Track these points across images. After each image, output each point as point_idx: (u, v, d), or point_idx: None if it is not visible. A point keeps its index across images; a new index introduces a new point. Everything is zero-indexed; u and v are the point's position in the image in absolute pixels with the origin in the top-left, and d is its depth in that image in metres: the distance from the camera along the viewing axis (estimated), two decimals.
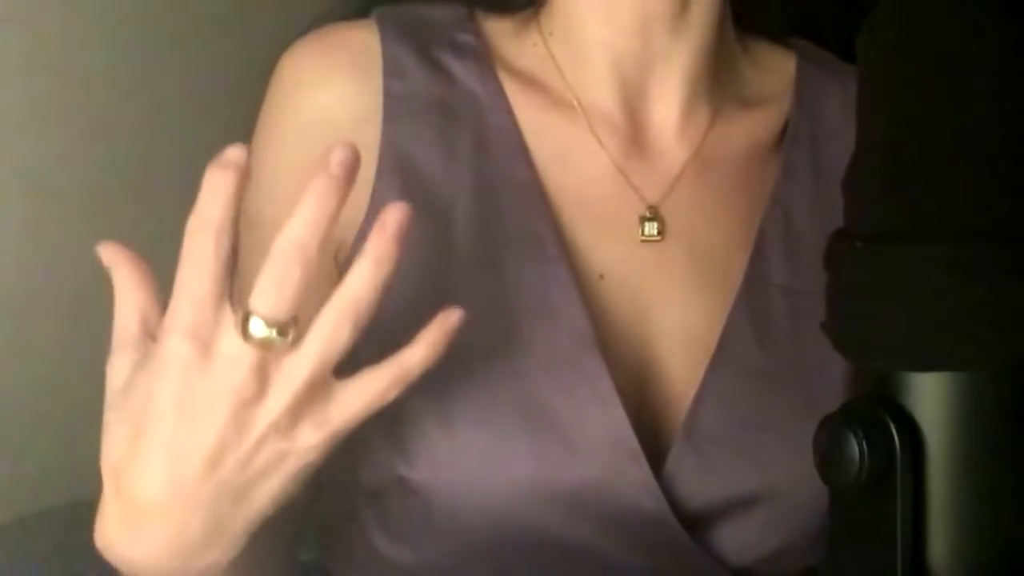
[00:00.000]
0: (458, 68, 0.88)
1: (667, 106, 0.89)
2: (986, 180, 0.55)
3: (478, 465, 0.81)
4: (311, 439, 0.67)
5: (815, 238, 0.86)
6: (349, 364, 0.88)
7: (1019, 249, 0.55)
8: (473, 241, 0.84)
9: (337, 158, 0.65)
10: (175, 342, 0.64)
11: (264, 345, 0.64)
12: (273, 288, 0.64)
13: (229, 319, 0.64)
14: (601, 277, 0.86)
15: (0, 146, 1.23)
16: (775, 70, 0.94)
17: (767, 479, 0.84)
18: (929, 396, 0.56)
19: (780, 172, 0.91)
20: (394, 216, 0.66)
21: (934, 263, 0.55)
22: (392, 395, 0.68)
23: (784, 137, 0.92)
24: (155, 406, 0.65)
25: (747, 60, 0.94)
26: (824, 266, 0.60)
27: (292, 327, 0.65)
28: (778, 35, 0.96)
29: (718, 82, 0.91)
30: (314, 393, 0.66)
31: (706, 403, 0.84)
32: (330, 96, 0.86)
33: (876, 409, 0.56)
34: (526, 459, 0.81)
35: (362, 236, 0.85)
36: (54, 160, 1.23)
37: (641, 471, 0.81)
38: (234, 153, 0.65)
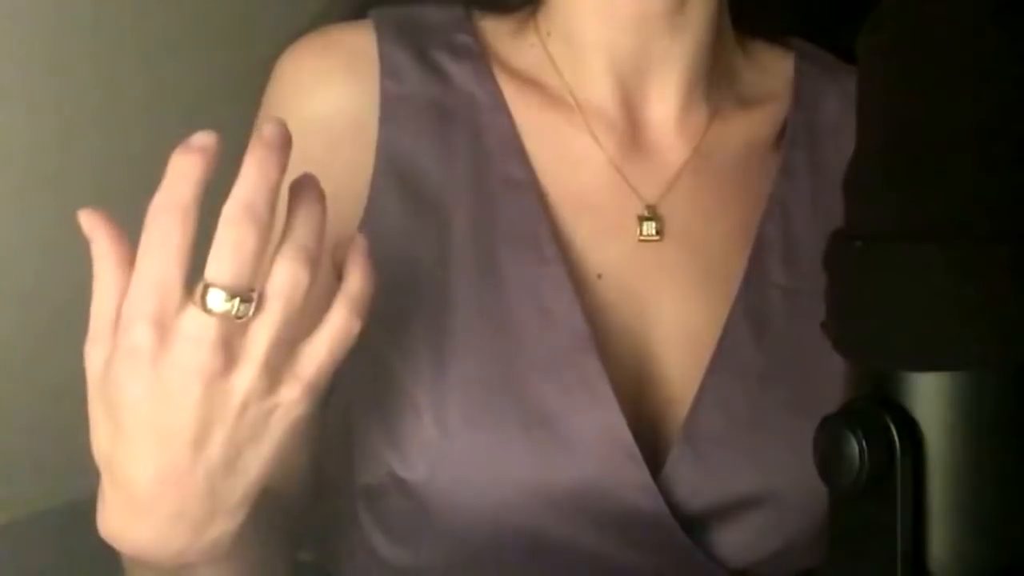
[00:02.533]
0: (455, 69, 0.88)
1: (665, 105, 0.89)
2: (986, 180, 0.55)
3: (476, 466, 0.81)
4: (290, 395, 0.66)
5: (814, 238, 0.86)
6: (349, 361, 0.88)
7: (1019, 249, 0.55)
8: (471, 241, 0.84)
9: (270, 130, 0.64)
10: (136, 331, 0.62)
11: (226, 317, 0.62)
12: (228, 255, 0.62)
13: (188, 299, 0.62)
14: (599, 277, 0.86)
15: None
16: (773, 70, 0.94)
17: (766, 480, 0.84)
18: (929, 396, 0.56)
19: (779, 172, 0.91)
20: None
21: (934, 263, 0.55)
22: (354, 328, 0.67)
23: (783, 137, 0.92)
24: (128, 397, 0.64)
25: (745, 60, 0.94)
26: (824, 266, 0.60)
27: (253, 294, 0.63)
28: (777, 35, 0.96)
29: (716, 82, 0.91)
30: (282, 353, 0.65)
31: (705, 404, 0.84)
32: (327, 98, 0.86)
33: (876, 409, 0.56)
34: (524, 460, 0.81)
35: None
36: (53, 160, 1.23)
37: (639, 472, 0.81)
38: (202, 138, 0.64)
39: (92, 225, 0.66)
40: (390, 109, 0.86)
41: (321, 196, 0.67)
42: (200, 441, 0.65)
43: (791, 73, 0.94)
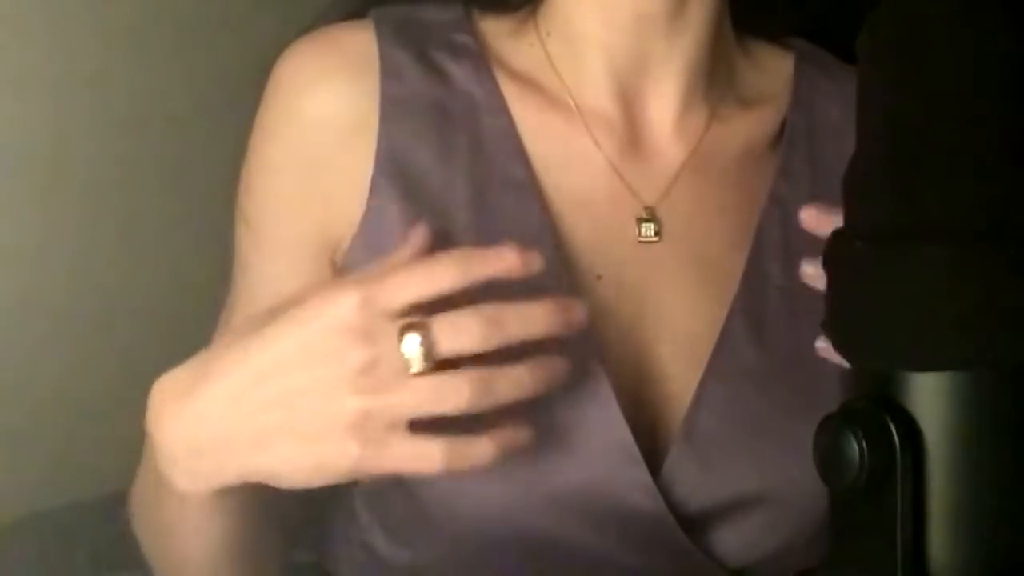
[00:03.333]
0: (455, 69, 0.88)
1: (664, 106, 0.89)
2: (986, 180, 0.55)
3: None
4: (354, 451, 0.70)
5: (812, 238, 0.86)
6: None
7: (1019, 249, 0.55)
8: (470, 242, 0.84)
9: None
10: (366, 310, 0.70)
11: (413, 359, 0.69)
12: (460, 334, 0.69)
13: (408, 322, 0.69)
14: (598, 278, 0.86)
15: (1, 147, 1.23)
16: (773, 70, 0.94)
17: (766, 479, 0.84)
18: (929, 396, 0.56)
19: (778, 172, 0.91)
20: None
21: (934, 263, 0.55)
22: (435, 469, 0.72)
23: (782, 137, 0.92)
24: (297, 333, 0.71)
25: (745, 60, 0.94)
26: (823, 266, 0.60)
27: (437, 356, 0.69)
28: (776, 35, 0.95)
29: (715, 82, 0.91)
30: (393, 421, 0.70)
31: (704, 404, 0.84)
32: (327, 98, 0.86)
33: (876, 409, 0.56)
34: (523, 460, 0.81)
35: (357, 239, 0.85)
36: (52, 161, 1.23)
37: (639, 472, 0.81)
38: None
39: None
40: (390, 109, 0.86)
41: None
42: (296, 385, 0.71)
43: (790, 73, 0.94)
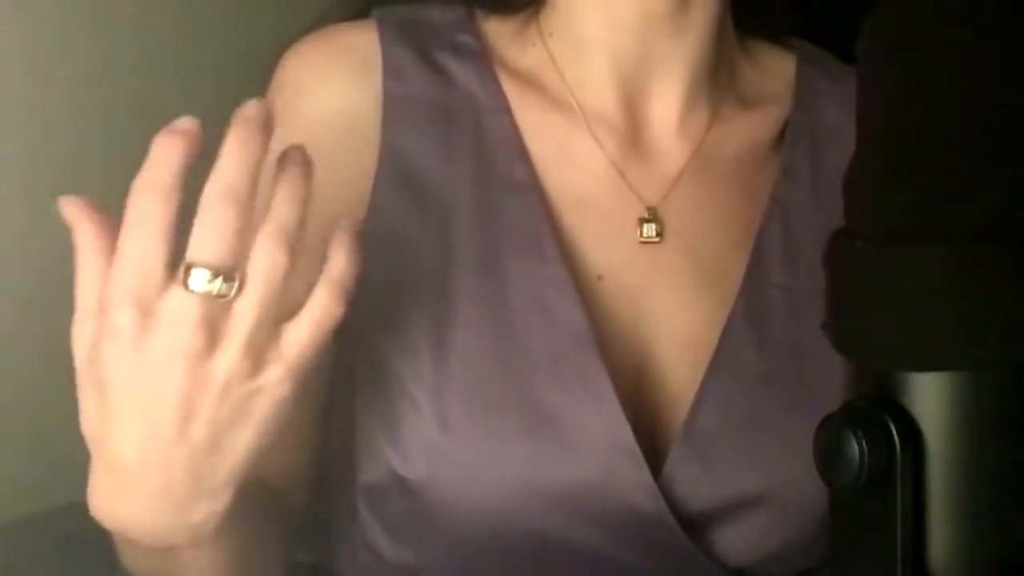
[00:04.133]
0: (457, 69, 0.88)
1: (666, 106, 0.89)
2: (987, 180, 0.55)
3: (477, 466, 0.81)
4: (272, 376, 0.65)
5: (814, 238, 0.86)
6: (351, 361, 0.88)
7: (1019, 249, 0.55)
8: (472, 242, 0.84)
9: (251, 109, 0.64)
10: (120, 311, 0.62)
11: (208, 297, 0.62)
12: (210, 235, 0.62)
13: (171, 279, 0.62)
14: (600, 278, 0.86)
15: (2, 146, 1.23)
16: (774, 71, 0.94)
17: (766, 480, 0.84)
18: (929, 396, 0.56)
19: (779, 173, 0.91)
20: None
21: (934, 263, 0.55)
22: (337, 311, 0.67)
23: (783, 138, 0.92)
24: (113, 376, 0.64)
25: (746, 60, 0.94)
26: (824, 266, 0.60)
27: (235, 273, 0.63)
28: (778, 36, 0.96)
29: (717, 82, 0.91)
30: (265, 334, 0.65)
31: (705, 404, 0.84)
32: (329, 97, 0.86)
33: (876, 409, 0.56)
34: (524, 460, 0.81)
35: (361, 238, 0.85)
36: (52, 160, 1.23)
37: (640, 472, 0.81)
38: (184, 122, 0.63)
39: (73, 212, 0.65)
40: (392, 109, 0.86)
41: (307, 174, 0.67)
42: (184, 420, 0.64)
43: (792, 74, 0.94)
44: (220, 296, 0.63)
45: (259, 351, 0.65)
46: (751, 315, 0.86)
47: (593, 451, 0.81)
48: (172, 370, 0.63)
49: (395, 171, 0.85)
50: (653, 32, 0.87)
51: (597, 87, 0.89)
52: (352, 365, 0.87)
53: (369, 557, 0.87)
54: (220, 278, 0.62)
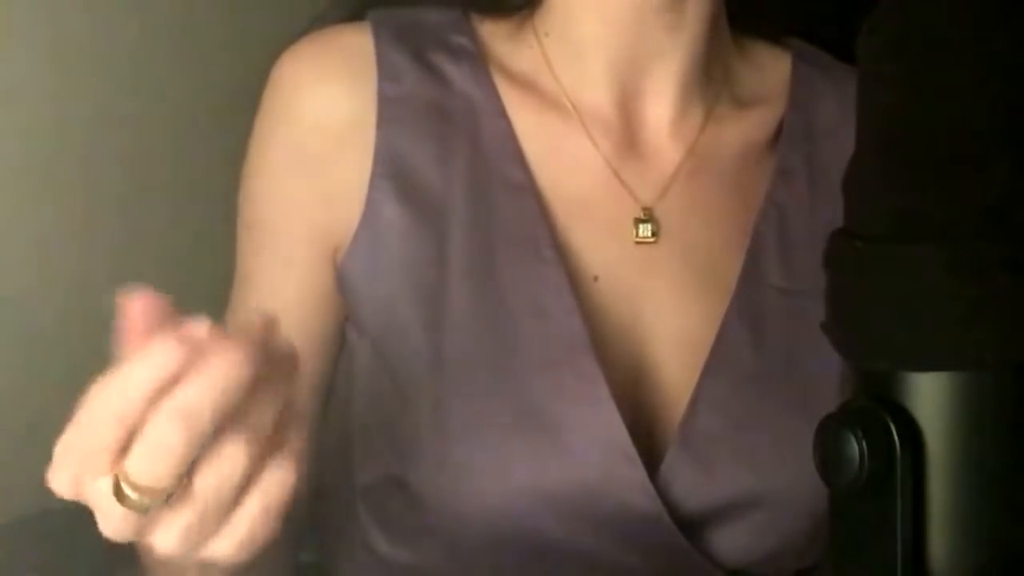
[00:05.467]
0: (453, 71, 0.88)
1: (661, 105, 0.89)
2: (986, 180, 0.55)
3: (474, 467, 0.81)
4: (220, 550, 0.59)
5: (810, 239, 0.86)
6: (350, 363, 0.89)
7: (1019, 249, 0.55)
8: (468, 243, 0.84)
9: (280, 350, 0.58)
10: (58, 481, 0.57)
11: (136, 505, 0.56)
12: (153, 457, 0.55)
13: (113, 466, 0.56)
14: (596, 279, 0.86)
15: (2, 146, 1.23)
16: (770, 70, 0.94)
17: (763, 481, 0.84)
18: (929, 396, 0.56)
19: (775, 173, 0.91)
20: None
21: (934, 263, 0.55)
22: (289, 485, 0.60)
23: (779, 137, 0.92)
24: None
25: (742, 60, 0.94)
26: (823, 266, 0.60)
27: (167, 493, 0.56)
28: (775, 35, 0.95)
29: (712, 82, 0.91)
30: (209, 524, 0.58)
31: (702, 405, 0.84)
32: (325, 100, 0.86)
33: (876, 409, 0.56)
34: (521, 461, 0.81)
35: (356, 240, 0.85)
36: (53, 160, 1.23)
37: (636, 473, 0.81)
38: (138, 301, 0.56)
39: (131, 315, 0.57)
40: (388, 111, 0.86)
41: (287, 387, 0.59)
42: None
43: (788, 73, 0.94)
44: (145, 509, 0.57)
45: (198, 536, 0.59)
46: (747, 315, 0.87)
47: (589, 452, 0.81)
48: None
49: (390, 172, 0.85)
50: (648, 28, 0.87)
51: (592, 87, 0.89)
52: (350, 366, 0.87)
53: (368, 557, 0.88)
54: (147, 497, 0.56)
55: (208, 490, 0.57)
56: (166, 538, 0.58)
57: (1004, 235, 0.55)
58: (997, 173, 0.55)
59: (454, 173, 0.86)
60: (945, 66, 0.56)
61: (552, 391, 0.82)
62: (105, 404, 0.55)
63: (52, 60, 1.27)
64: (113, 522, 0.57)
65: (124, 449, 0.55)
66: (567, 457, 0.81)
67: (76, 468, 0.57)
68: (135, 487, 0.55)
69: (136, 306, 0.56)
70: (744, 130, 0.92)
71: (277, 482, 0.59)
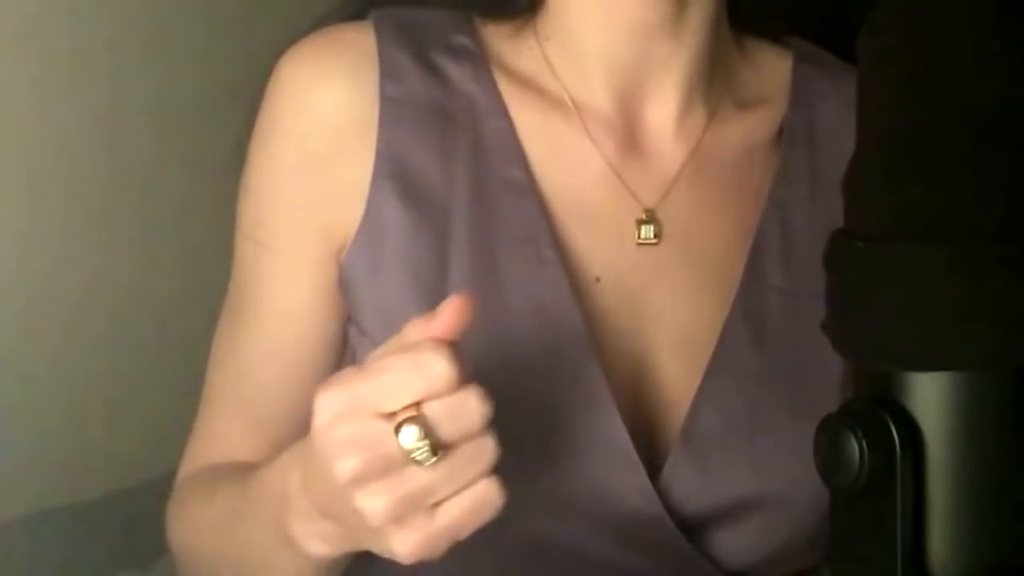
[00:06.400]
0: (455, 71, 0.88)
1: (663, 108, 0.89)
2: (987, 180, 0.56)
3: None
4: (409, 538, 0.69)
5: (812, 239, 0.86)
6: (351, 363, 0.88)
7: (1019, 249, 0.55)
8: (470, 243, 0.84)
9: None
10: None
11: (415, 450, 0.66)
12: (458, 420, 0.67)
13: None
14: (597, 280, 0.86)
15: (3, 145, 1.23)
16: (772, 70, 0.94)
17: (765, 482, 0.83)
18: (929, 396, 0.56)
19: (777, 173, 0.90)
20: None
21: (935, 263, 0.55)
22: (498, 501, 0.70)
23: (781, 138, 0.92)
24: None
25: (743, 60, 0.93)
26: (824, 266, 0.60)
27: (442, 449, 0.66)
28: (775, 35, 0.95)
29: (714, 83, 0.90)
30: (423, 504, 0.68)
31: (704, 407, 0.84)
32: (327, 99, 0.86)
33: (876, 409, 0.56)
34: (523, 463, 0.80)
35: (358, 240, 0.85)
36: (55, 160, 1.24)
37: (637, 475, 0.81)
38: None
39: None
40: (389, 110, 0.86)
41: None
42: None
43: (789, 73, 0.94)
44: (416, 460, 0.66)
45: (407, 513, 0.68)
46: (749, 316, 0.86)
47: (590, 454, 0.81)
48: (326, 465, 0.67)
49: (392, 172, 0.85)
50: (650, 37, 0.87)
51: (593, 89, 0.88)
52: (352, 366, 0.87)
53: (368, 557, 0.87)
54: (428, 445, 0.66)
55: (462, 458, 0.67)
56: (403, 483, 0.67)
57: (1004, 235, 0.55)
58: (997, 173, 0.56)
59: (455, 173, 0.86)
60: (946, 66, 0.56)
61: (553, 393, 0.82)
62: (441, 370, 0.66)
63: (58, 58, 1.27)
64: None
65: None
66: (567, 459, 0.81)
67: (368, 411, 0.66)
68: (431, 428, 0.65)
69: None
70: (746, 131, 0.91)
71: (480, 493, 0.69)
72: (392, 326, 0.83)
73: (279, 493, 0.74)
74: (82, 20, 1.29)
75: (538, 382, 0.82)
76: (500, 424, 0.81)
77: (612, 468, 0.81)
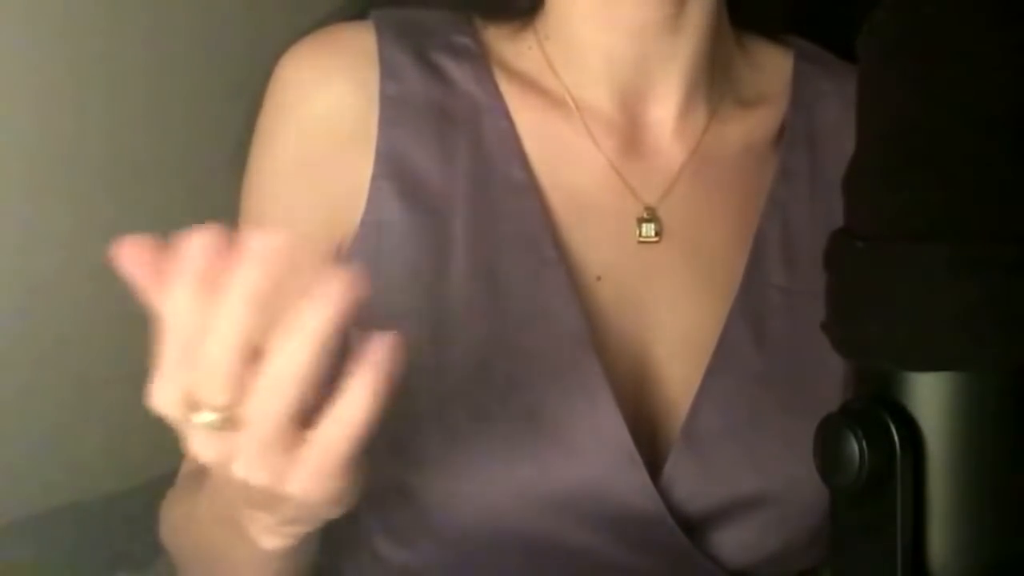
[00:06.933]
0: (455, 70, 0.88)
1: (664, 107, 0.89)
2: (987, 179, 0.55)
3: (476, 468, 0.81)
4: (295, 488, 0.64)
5: (813, 238, 0.86)
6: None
7: (1019, 248, 0.55)
8: (470, 243, 0.84)
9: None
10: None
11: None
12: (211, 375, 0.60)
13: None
14: (598, 279, 0.86)
15: (4, 145, 1.23)
16: (772, 69, 0.94)
17: (766, 481, 0.83)
18: (929, 396, 0.56)
19: (777, 172, 0.91)
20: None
21: (935, 262, 0.55)
22: (372, 406, 0.64)
23: (781, 137, 0.92)
24: None
25: (744, 59, 0.94)
26: (824, 266, 0.60)
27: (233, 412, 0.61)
28: (776, 34, 0.95)
29: (715, 82, 0.90)
30: (277, 450, 0.62)
31: (704, 405, 0.84)
32: (328, 99, 0.86)
33: (876, 409, 0.56)
34: (524, 462, 0.81)
35: (359, 239, 0.85)
36: (56, 159, 1.24)
37: (638, 474, 0.81)
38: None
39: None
40: (390, 110, 0.86)
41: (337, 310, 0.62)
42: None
43: (790, 72, 0.94)
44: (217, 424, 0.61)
45: (273, 464, 0.62)
46: (750, 315, 0.86)
47: (591, 453, 0.81)
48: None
49: (392, 171, 0.85)
50: (650, 34, 0.87)
51: (594, 88, 0.89)
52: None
53: (368, 558, 0.87)
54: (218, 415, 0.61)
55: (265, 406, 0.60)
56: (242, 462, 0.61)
57: (1004, 235, 0.55)
58: (997, 173, 0.55)
59: (456, 173, 0.86)
60: (945, 65, 0.56)
61: (554, 392, 0.82)
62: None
63: (59, 58, 1.27)
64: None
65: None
66: (569, 458, 0.81)
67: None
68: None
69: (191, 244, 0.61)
70: (747, 130, 0.92)
71: (348, 412, 0.61)
72: (391, 326, 0.83)
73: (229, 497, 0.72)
74: (82, 18, 1.29)
75: (539, 381, 0.82)
76: (500, 423, 0.81)
77: (613, 467, 0.81)
